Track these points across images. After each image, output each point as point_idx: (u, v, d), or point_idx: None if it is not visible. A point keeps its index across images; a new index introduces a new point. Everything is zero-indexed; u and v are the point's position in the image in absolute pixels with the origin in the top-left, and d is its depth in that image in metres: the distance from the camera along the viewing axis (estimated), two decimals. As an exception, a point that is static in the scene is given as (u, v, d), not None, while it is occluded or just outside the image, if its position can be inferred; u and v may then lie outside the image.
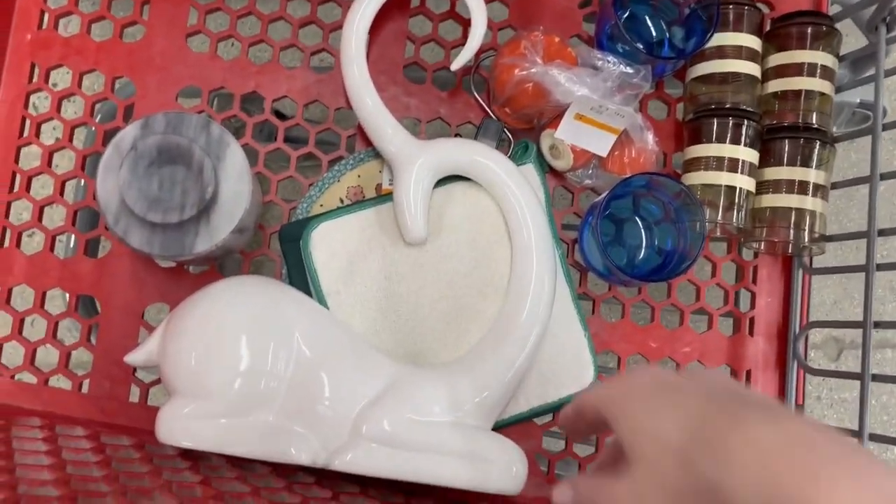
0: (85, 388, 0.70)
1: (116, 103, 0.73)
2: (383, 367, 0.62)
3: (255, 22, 0.76)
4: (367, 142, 0.70)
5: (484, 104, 0.74)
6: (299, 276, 0.69)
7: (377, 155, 0.71)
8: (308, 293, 0.68)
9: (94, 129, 0.73)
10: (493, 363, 0.63)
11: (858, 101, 0.97)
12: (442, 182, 0.69)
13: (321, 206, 0.71)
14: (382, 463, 0.58)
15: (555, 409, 0.71)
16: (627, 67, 0.66)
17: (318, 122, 0.75)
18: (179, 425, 0.58)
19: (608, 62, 0.66)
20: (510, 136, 0.74)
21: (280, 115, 0.80)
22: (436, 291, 0.68)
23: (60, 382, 0.70)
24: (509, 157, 0.73)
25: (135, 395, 0.70)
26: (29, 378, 0.70)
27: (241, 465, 0.62)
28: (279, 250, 0.72)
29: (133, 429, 0.68)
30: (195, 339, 0.59)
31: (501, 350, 0.64)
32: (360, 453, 0.58)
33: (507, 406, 0.68)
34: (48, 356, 0.71)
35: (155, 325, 0.71)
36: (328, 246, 0.68)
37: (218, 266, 0.73)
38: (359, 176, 0.72)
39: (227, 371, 0.58)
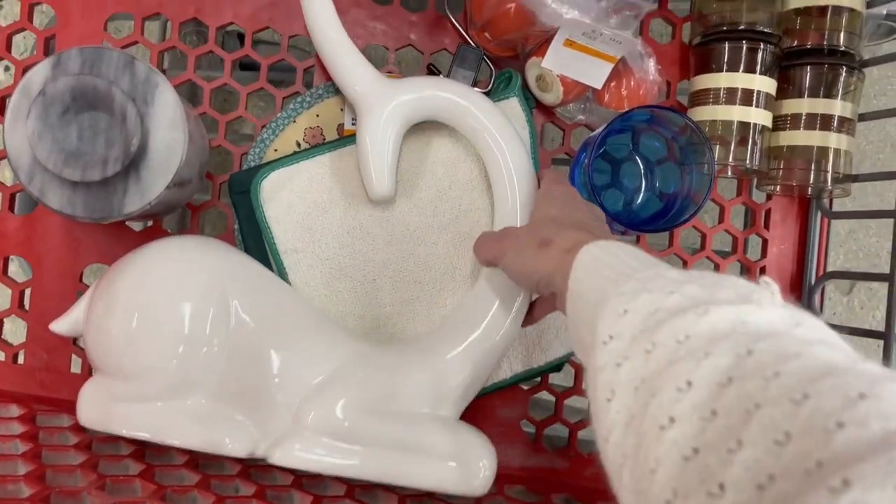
0: (21, 360, 0.63)
1: (35, 34, 0.63)
2: (338, 344, 0.55)
3: (194, -66, 0.65)
4: (328, 74, 0.61)
5: (461, 28, 0.65)
6: (252, 231, 0.61)
7: (338, 90, 0.62)
8: (262, 250, 0.60)
9: (12, 66, 0.64)
10: (467, 342, 0.54)
11: (885, 12, 0.87)
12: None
13: (275, 150, 0.63)
14: (326, 459, 0.51)
15: (541, 373, 0.64)
16: (625, -17, 0.56)
17: (270, 52, 0.65)
18: (102, 410, 0.52)
19: None
20: (491, 65, 0.64)
21: (241, 38, 0.69)
22: (405, 248, 0.60)
23: (-6, 353, 0.63)
24: (490, 89, 0.64)
25: (77, 365, 0.63)
26: (-43, 350, 0.63)
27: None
28: (231, 201, 0.63)
29: (75, 403, 0.61)
30: (121, 314, 0.51)
31: (476, 326, 0.55)
32: (301, 446, 0.51)
33: (489, 373, 0.61)
34: (-21, 325, 0.64)
35: (95, 288, 0.63)
36: (283, 197, 0.59)
37: (162, 221, 0.65)
38: (317, 115, 0.63)
39: (157, 352, 0.50)
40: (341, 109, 0.63)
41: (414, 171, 0.61)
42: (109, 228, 0.63)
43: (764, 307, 0.32)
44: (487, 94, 0.62)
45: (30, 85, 0.52)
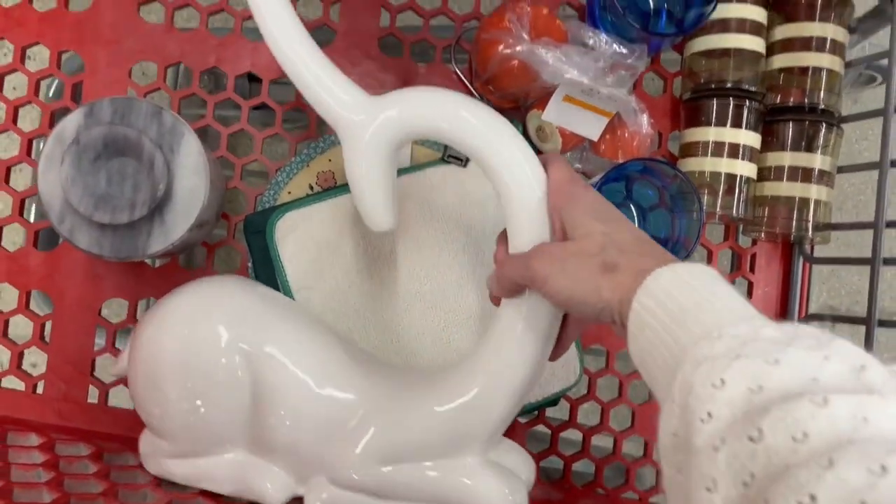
0: (40, 390, 0.65)
1: (63, 80, 0.67)
2: (369, 385, 0.54)
3: (215, -12, 0.69)
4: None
5: (466, 81, 0.69)
6: (265, 270, 0.64)
7: None
8: (275, 288, 0.63)
9: (39, 109, 0.67)
10: (495, 377, 0.51)
11: (864, 64, 0.91)
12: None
13: (289, 193, 0.66)
14: None
15: (538, 407, 0.67)
16: (621, 47, 0.60)
17: (281, 90, 0.69)
18: (153, 460, 0.56)
19: (600, 40, 0.60)
20: (494, 115, 0.68)
21: (253, 79, 0.73)
22: (412, 286, 0.63)
23: (13, 383, 0.66)
24: None
25: (93, 395, 0.66)
26: (-22, 380, 0.65)
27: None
28: (245, 241, 0.67)
29: (92, 433, 0.64)
30: (142, 381, 0.54)
31: (503, 359, 0.50)
32: (328, 498, 0.53)
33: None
34: (-1, 356, 0.67)
35: (113, 321, 0.66)
36: (296, 237, 0.62)
37: (179, 257, 0.68)
38: (329, 160, 0.67)
39: (178, 416, 0.53)
40: (352, 155, 0.67)
41: (418, 212, 0.64)
42: (128, 264, 0.67)
43: (886, 397, 0.28)
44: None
45: (63, 132, 0.56)
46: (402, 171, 0.63)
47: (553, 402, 0.68)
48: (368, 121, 0.50)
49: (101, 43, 0.67)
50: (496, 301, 0.51)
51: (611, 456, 0.70)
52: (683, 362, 0.33)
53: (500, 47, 0.62)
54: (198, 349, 0.52)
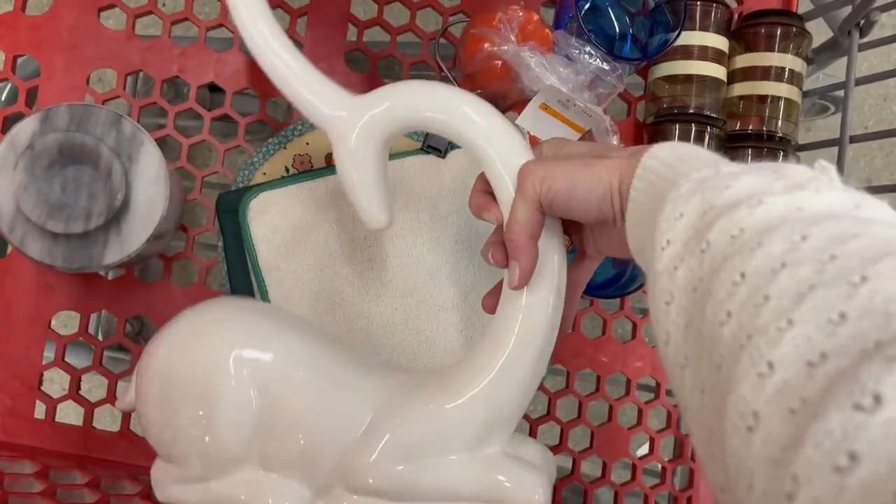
0: (-17, 404, 0.63)
1: (18, 84, 0.65)
2: (368, 393, 0.52)
3: (179, -4, 0.68)
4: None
5: (449, 74, 0.68)
6: (236, 251, 0.62)
7: None
8: (245, 269, 0.62)
9: (-8, 112, 0.65)
10: (504, 362, 0.49)
11: (819, 94, 0.94)
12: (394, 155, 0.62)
13: (264, 174, 0.64)
14: None
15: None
16: (604, 63, 0.61)
17: (243, 99, 0.68)
18: (164, 489, 0.53)
19: (585, 53, 0.61)
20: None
21: (215, 89, 0.71)
22: (385, 273, 0.63)
23: (-45, 397, 0.63)
24: None
25: (41, 411, 0.63)
26: (-82, 393, 0.63)
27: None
28: (203, 255, 0.65)
29: (38, 450, 0.62)
30: (151, 405, 0.51)
31: (508, 342, 0.48)
32: None
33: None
34: (-59, 368, 0.64)
35: (64, 334, 0.64)
36: (269, 218, 0.61)
37: (134, 269, 0.66)
38: (307, 143, 0.65)
39: (189, 440, 0.50)
40: (331, 139, 0.65)
41: (395, 201, 0.62)
42: (81, 276, 0.65)
43: (821, 192, 0.30)
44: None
45: (17, 138, 0.54)
46: None
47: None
48: (356, 117, 0.50)
49: (59, 48, 0.65)
50: (490, 308, 0.50)
51: (569, 476, 0.69)
52: (658, 211, 0.35)
53: (486, 45, 0.62)
54: (206, 371, 0.50)
